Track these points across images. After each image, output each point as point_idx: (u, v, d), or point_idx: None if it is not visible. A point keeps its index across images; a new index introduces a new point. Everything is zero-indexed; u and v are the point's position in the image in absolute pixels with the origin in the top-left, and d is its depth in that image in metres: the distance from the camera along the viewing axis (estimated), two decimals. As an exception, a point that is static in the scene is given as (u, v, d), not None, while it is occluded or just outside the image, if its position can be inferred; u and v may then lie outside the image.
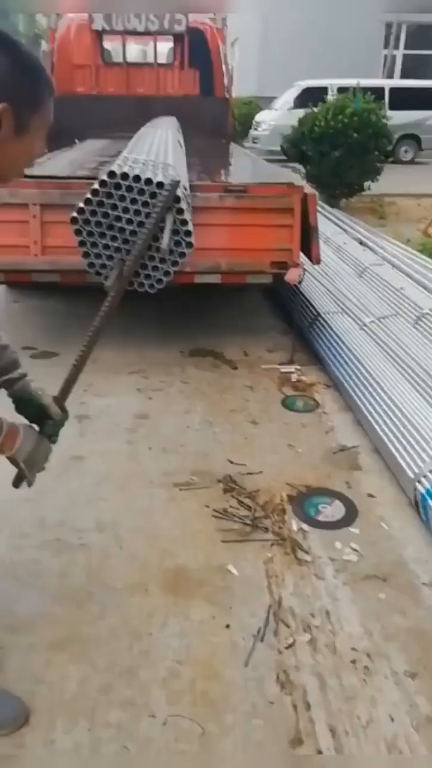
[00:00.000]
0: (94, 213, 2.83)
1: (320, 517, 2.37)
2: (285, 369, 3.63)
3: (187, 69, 6.40)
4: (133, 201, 2.78)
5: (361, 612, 1.95)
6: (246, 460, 2.70)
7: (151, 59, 6.51)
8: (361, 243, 5.72)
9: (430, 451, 2.41)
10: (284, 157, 8.87)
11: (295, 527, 2.30)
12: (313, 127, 7.47)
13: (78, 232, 2.88)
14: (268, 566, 2.11)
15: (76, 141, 5.51)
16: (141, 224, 2.73)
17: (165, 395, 3.31)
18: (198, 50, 6.32)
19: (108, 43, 6.71)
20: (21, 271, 3.46)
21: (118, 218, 2.81)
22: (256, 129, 14.78)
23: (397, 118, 13.02)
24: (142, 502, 2.42)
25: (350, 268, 5.00)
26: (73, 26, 6.37)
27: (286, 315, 4.37)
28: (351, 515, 2.41)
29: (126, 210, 2.80)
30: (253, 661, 1.75)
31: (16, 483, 1.47)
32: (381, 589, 2.05)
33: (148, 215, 2.70)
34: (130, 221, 2.80)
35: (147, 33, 6.16)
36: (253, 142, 14.32)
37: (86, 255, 2.93)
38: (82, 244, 2.90)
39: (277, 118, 13.58)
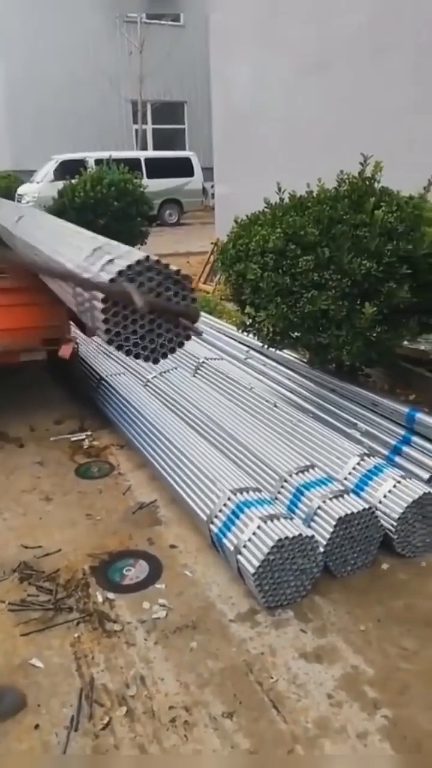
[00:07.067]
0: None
1: (125, 581, 2.34)
2: (75, 437, 3.58)
3: None
4: None
5: (175, 667, 1.95)
6: (42, 541, 2.57)
7: None
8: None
9: (218, 492, 2.53)
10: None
11: (100, 599, 2.24)
12: (74, 198, 7.66)
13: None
14: (76, 648, 2.02)
15: None
16: None
17: None
18: None
19: None
20: None
21: None
22: (19, 202, 14.76)
23: (157, 185, 14.11)
24: None
25: (129, 328, 5.16)
26: None
27: (69, 383, 4.33)
28: (156, 571, 2.42)
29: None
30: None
31: None
32: (192, 637, 2.07)
33: None
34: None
35: None
36: (18, 215, 14.28)
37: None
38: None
39: (40, 189, 13.76)
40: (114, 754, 1.64)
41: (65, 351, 3.44)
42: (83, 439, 3.55)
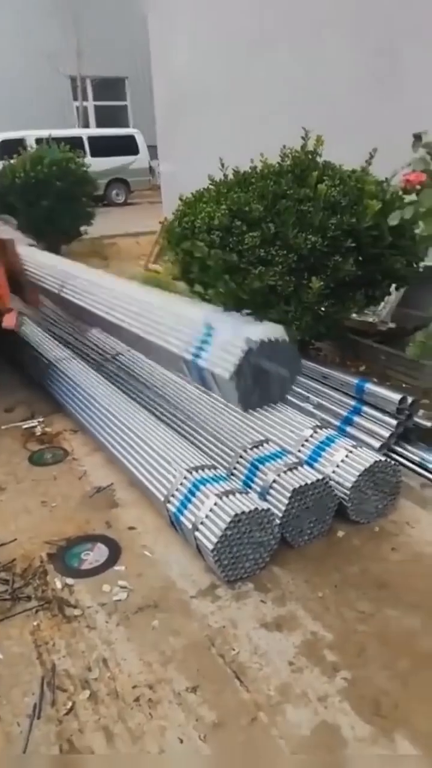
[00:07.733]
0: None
1: (84, 566, 2.33)
2: (27, 425, 3.51)
3: None
4: None
5: (137, 646, 1.96)
6: (-4, 532, 2.52)
7: None
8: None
9: (174, 471, 2.53)
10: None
11: (59, 585, 2.22)
12: (14, 179, 7.43)
13: None
14: (35, 636, 2.00)
15: None
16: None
17: None
18: None
19: None
20: None
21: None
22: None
23: (102, 165, 13.78)
24: None
25: (78, 312, 5.07)
26: None
27: (17, 370, 4.23)
28: (115, 554, 2.41)
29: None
30: (33, 744, 1.63)
31: None
32: (154, 616, 2.08)
33: None
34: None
35: None
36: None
37: None
38: None
39: (-21, 171, 13.25)
40: (81, 757, 1.64)
41: (9, 321, 3.35)
42: (35, 426, 3.48)
